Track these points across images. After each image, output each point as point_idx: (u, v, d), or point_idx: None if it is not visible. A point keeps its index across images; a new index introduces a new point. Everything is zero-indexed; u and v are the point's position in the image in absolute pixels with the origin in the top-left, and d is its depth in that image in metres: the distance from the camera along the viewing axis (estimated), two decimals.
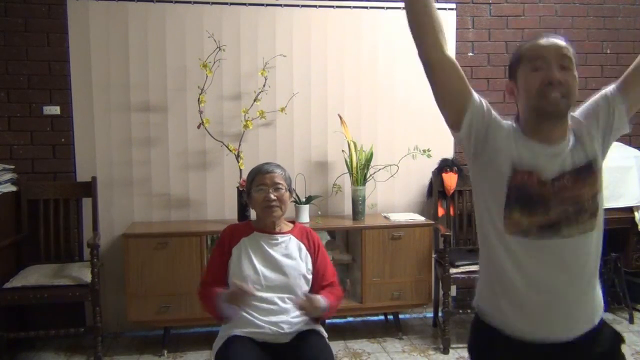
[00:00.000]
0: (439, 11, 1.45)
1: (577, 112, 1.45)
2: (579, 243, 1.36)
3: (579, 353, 1.38)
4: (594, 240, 1.38)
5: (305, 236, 2.16)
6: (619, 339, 1.46)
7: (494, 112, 1.41)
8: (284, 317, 2.00)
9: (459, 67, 1.41)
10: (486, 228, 1.43)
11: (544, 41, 1.37)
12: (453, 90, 1.40)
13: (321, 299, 2.00)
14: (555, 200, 1.34)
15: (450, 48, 1.44)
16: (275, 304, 2.01)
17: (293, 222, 2.24)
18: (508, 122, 1.43)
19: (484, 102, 1.41)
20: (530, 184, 1.35)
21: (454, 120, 1.41)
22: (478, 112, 1.38)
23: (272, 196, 2.06)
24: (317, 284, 2.11)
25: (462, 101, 1.39)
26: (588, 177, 1.37)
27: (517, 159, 1.36)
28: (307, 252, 2.12)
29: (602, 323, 1.43)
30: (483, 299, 1.49)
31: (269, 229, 2.11)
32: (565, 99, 1.32)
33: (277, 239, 2.10)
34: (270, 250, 2.07)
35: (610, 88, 1.44)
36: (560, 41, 1.36)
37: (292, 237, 2.13)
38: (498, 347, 1.43)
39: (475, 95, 1.40)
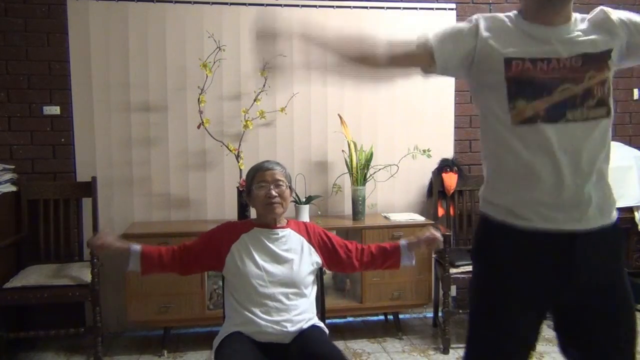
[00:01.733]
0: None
1: (613, 11, 1.44)
2: (586, 129, 1.35)
3: (585, 246, 1.38)
4: (606, 131, 1.39)
5: (303, 230, 2.14)
6: (622, 237, 1.48)
7: (481, 24, 1.44)
8: (288, 316, 1.98)
9: (445, 40, 1.45)
10: (492, 124, 1.43)
11: None
12: (461, 58, 1.45)
13: (400, 242, 2.08)
14: (558, 80, 1.35)
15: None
16: (279, 300, 1.99)
17: (287, 219, 2.22)
18: (503, 16, 1.46)
19: (475, 30, 1.44)
20: (527, 69, 1.36)
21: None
22: (479, 50, 1.42)
23: (274, 193, 2.05)
24: (350, 253, 2.11)
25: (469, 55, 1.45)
26: (597, 64, 1.37)
27: (510, 48, 1.38)
28: (310, 245, 2.10)
29: (613, 225, 1.42)
30: (490, 196, 1.48)
31: (269, 224, 2.10)
32: None
33: (278, 233, 2.08)
34: (271, 245, 2.06)
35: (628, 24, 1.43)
36: None
37: (292, 231, 2.11)
38: (504, 240, 1.43)
39: (472, 41, 1.43)
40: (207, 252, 2.07)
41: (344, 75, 1.66)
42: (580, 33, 1.39)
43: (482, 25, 1.44)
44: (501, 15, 1.47)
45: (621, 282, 1.43)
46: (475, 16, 1.47)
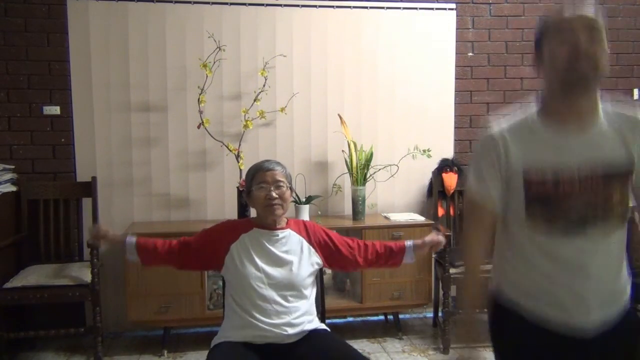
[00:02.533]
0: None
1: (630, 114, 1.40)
2: (605, 242, 1.34)
3: (596, 346, 1.36)
4: (621, 239, 1.38)
5: (303, 229, 2.12)
6: (637, 329, 1.44)
7: (500, 143, 1.38)
8: (288, 318, 1.97)
9: (492, 180, 1.41)
10: (510, 222, 1.42)
11: (569, 13, 1.32)
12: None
13: (406, 242, 2.11)
14: (577, 199, 1.32)
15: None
16: (278, 303, 1.97)
17: (287, 219, 2.21)
18: (521, 120, 1.40)
19: (499, 158, 1.39)
20: (547, 190, 1.33)
21: None
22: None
23: (274, 194, 2.02)
24: (352, 250, 2.11)
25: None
26: (618, 180, 1.33)
27: (529, 164, 1.34)
28: (309, 245, 2.08)
29: (625, 317, 1.40)
30: (503, 283, 1.46)
31: (269, 225, 2.08)
32: (593, 71, 1.28)
33: (278, 235, 2.06)
34: (270, 247, 2.04)
35: None
36: (586, 13, 1.32)
37: (292, 232, 2.09)
38: (512, 328, 1.43)
39: (500, 168, 1.39)
40: (205, 248, 2.06)
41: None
42: (604, 136, 1.34)
43: (507, 139, 1.39)
44: (519, 114, 1.42)
45: None
46: (494, 128, 1.41)
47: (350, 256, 2.11)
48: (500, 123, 1.42)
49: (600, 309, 1.35)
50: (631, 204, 1.38)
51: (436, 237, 2.10)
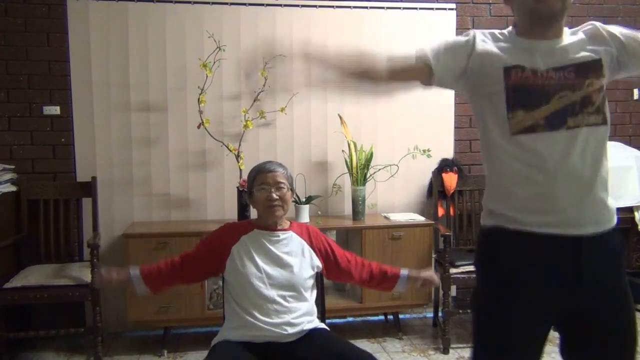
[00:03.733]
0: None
1: (602, 24, 1.48)
2: (586, 136, 1.37)
3: (589, 250, 1.38)
4: (604, 138, 1.41)
5: (305, 233, 2.13)
6: (622, 242, 1.49)
7: (478, 38, 1.47)
8: (287, 318, 1.97)
9: (442, 53, 1.50)
10: (491, 135, 1.45)
11: None
12: (459, 70, 1.49)
13: (402, 271, 2.11)
14: (555, 88, 1.38)
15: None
16: (278, 303, 1.98)
17: (289, 221, 2.22)
18: (498, 32, 1.50)
19: (471, 44, 1.47)
20: (526, 77, 1.39)
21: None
22: (474, 62, 1.46)
23: (275, 196, 2.03)
24: (349, 264, 2.12)
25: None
26: (592, 72, 1.40)
27: (508, 59, 1.42)
28: (310, 249, 2.09)
29: (613, 232, 1.43)
30: (492, 204, 1.49)
31: (270, 226, 2.09)
32: (561, 5, 1.37)
33: (279, 236, 2.07)
34: (272, 248, 2.04)
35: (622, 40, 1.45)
36: None
37: (293, 234, 2.10)
38: (505, 251, 1.44)
39: (467, 54, 1.47)
40: (209, 256, 2.05)
41: (345, 90, 1.72)
42: (572, 44, 1.43)
43: (479, 38, 1.48)
44: (497, 31, 1.51)
45: (623, 288, 1.43)
46: (471, 31, 1.51)
47: (347, 269, 2.12)
48: (474, 31, 1.51)
49: (591, 212, 1.39)
50: (607, 111, 1.42)
51: (433, 276, 2.11)
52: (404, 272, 2.11)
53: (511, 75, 1.40)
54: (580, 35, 1.45)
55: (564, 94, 1.37)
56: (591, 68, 1.40)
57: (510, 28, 1.50)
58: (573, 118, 1.37)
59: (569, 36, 1.45)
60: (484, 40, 1.47)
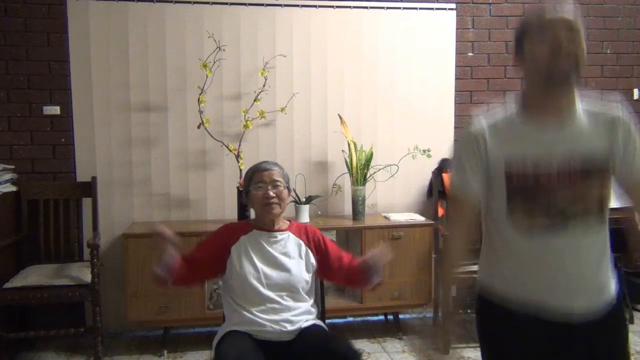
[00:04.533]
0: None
1: (625, 113, 1.43)
2: (585, 236, 1.37)
3: (581, 335, 1.38)
4: (601, 234, 1.40)
5: (303, 233, 2.14)
6: (623, 326, 1.47)
7: (488, 139, 1.42)
8: (286, 315, 1.99)
9: (473, 175, 1.45)
10: (491, 217, 1.46)
11: (550, 14, 1.37)
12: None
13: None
14: (559, 194, 1.35)
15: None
16: (276, 302, 2.00)
17: (289, 221, 2.22)
18: (502, 114, 1.45)
19: (480, 146, 1.43)
20: (527, 180, 1.37)
21: None
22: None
23: (271, 193, 2.05)
24: (344, 265, 2.09)
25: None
26: (599, 167, 1.37)
27: (510, 158, 1.38)
28: (307, 248, 2.10)
29: (611, 310, 1.42)
30: (487, 279, 1.50)
31: (268, 226, 2.10)
32: (573, 68, 1.33)
33: (276, 237, 2.09)
34: (269, 248, 2.06)
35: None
36: (566, 14, 1.36)
37: (291, 235, 2.11)
38: (503, 324, 1.45)
39: (481, 161, 1.43)
40: (212, 259, 2.06)
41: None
42: (584, 130, 1.38)
43: (487, 138, 1.42)
44: (499, 109, 1.46)
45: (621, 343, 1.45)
46: (475, 120, 1.45)
47: (337, 270, 2.10)
48: (480, 119, 1.46)
49: (585, 295, 1.38)
50: (612, 202, 1.40)
51: (379, 251, 2.00)
52: (364, 261, 2.04)
53: (513, 180, 1.38)
54: (596, 118, 1.39)
55: (567, 194, 1.35)
56: (598, 162, 1.37)
57: (514, 111, 1.44)
58: (574, 223, 1.36)
59: (582, 115, 1.39)
60: (489, 138, 1.42)
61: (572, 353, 1.39)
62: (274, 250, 2.06)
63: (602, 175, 1.38)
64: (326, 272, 2.14)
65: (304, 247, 2.10)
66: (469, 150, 1.44)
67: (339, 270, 2.11)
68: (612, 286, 1.43)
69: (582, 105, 1.41)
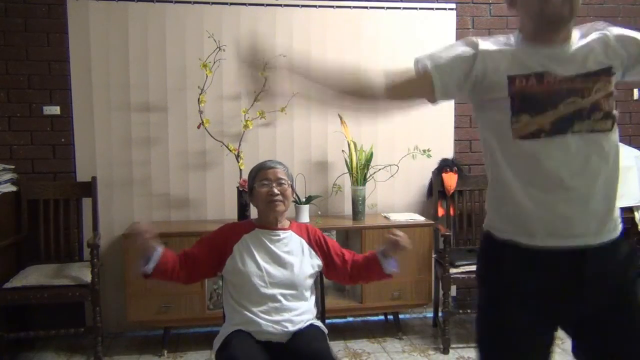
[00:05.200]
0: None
1: (610, 28, 1.44)
2: (592, 140, 1.34)
3: (593, 262, 1.36)
4: (611, 143, 1.36)
5: (304, 232, 2.14)
6: (632, 250, 1.45)
7: (482, 43, 1.42)
8: (287, 315, 1.99)
9: (443, 64, 1.43)
10: (494, 141, 1.42)
11: None
12: (461, 80, 1.43)
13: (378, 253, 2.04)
14: (563, 94, 1.34)
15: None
16: (278, 301, 2.00)
17: (290, 220, 2.23)
18: (503, 37, 1.45)
19: (473, 51, 1.42)
20: (531, 85, 1.35)
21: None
22: (478, 69, 1.41)
23: (276, 190, 2.06)
24: (347, 261, 2.10)
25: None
26: (602, 78, 1.36)
27: (512, 66, 1.37)
28: (309, 247, 2.11)
29: (618, 241, 1.40)
30: (493, 214, 1.47)
31: (270, 225, 2.10)
32: (567, 3, 1.32)
33: (279, 235, 2.09)
34: (272, 246, 2.06)
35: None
36: None
37: (293, 233, 2.12)
38: (508, 260, 1.42)
39: (470, 61, 1.41)
40: (211, 257, 2.06)
41: (342, 108, 1.63)
42: (582, 49, 1.38)
43: (481, 45, 1.42)
44: (501, 36, 1.46)
45: (634, 295, 1.41)
46: (474, 38, 1.46)
47: (342, 267, 2.11)
48: (482, 38, 1.45)
49: (598, 220, 1.36)
50: (616, 115, 1.38)
51: (392, 236, 2.00)
52: (377, 250, 2.06)
53: (515, 83, 1.36)
54: (590, 39, 1.41)
55: (573, 100, 1.34)
56: (601, 74, 1.36)
57: (515, 33, 1.45)
58: (580, 123, 1.33)
59: (578, 40, 1.41)
60: (487, 47, 1.42)
61: (581, 281, 1.36)
62: (277, 249, 2.06)
63: (606, 78, 1.37)
64: (332, 270, 2.14)
65: (306, 246, 2.11)
66: (456, 51, 1.43)
67: (343, 267, 2.11)
68: (618, 216, 1.42)
69: (576, 34, 1.42)
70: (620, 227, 1.43)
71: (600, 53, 1.39)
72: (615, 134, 1.38)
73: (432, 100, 1.48)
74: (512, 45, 1.42)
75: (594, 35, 1.42)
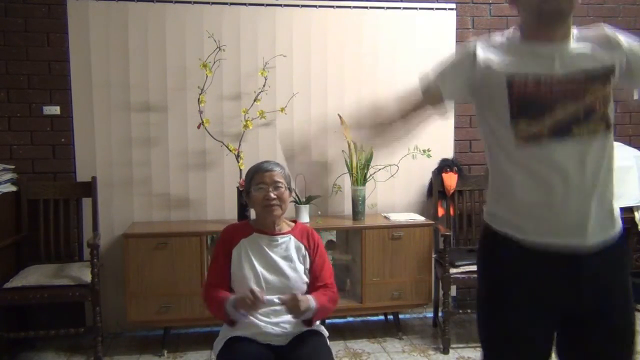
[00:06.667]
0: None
1: (612, 29, 1.45)
2: (589, 143, 1.35)
3: (590, 263, 1.37)
4: (607, 145, 1.38)
5: (305, 236, 2.13)
6: (627, 252, 1.48)
7: (479, 48, 1.44)
8: (286, 317, 1.99)
9: (446, 75, 1.49)
10: (495, 143, 1.45)
11: None
12: (465, 87, 1.49)
13: (310, 299, 1.96)
14: (559, 97, 1.35)
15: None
16: (277, 304, 1.99)
17: (294, 221, 2.22)
18: (501, 36, 1.47)
19: (471, 56, 1.44)
20: (529, 87, 1.36)
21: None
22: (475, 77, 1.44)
23: (272, 195, 2.04)
24: (312, 285, 2.08)
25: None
26: (599, 80, 1.37)
27: (511, 66, 1.39)
28: (307, 253, 2.10)
29: (615, 242, 1.41)
30: (493, 207, 1.49)
31: (268, 229, 2.09)
32: (565, 4, 1.34)
33: (277, 240, 2.08)
34: (270, 252, 2.05)
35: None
36: None
37: (292, 238, 2.11)
38: (506, 252, 1.44)
39: (470, 66, 1.45)
40: (228, 264, 2.06)
41: (377, 145, 1.78)
42: (580, 49, 1.39)
43: (479, 49, 1.44)
44: (499, 35, 1.48)
45: (623, 288, 1.43)
46: (472, 40, 1.48)
47: (311, 286, 2.08)
48: (477, 41, 1.47)
49: (595, 221, 1.37)
50: (612, 117, 1.39)
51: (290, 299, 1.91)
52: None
53: (514, 86, 1.37)
54: (590, 39, 1.41)
55: (568, 103, 1.35)
56: (598, 75, 1.37)
57: (513, 30, 1.46)
58: (577, 126, 1.34)
59: (577, 39, 1.41)
60: (485, 49, 1.43)
61: (577, 280, 1.38)
62: (274, 255, 2.05)
63: (603, 82, 1.38)
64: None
65: (303, 251, 2.10)
66: (461, 62, 1.47)
67: (311, 283, 2.09)
68: (617, 215, 1.43)
69: (574, 33, 1.43)
70: (619, 227, 1.44)
71: (600, 51, 1.39)
72: (611, 136, 1.40)
73: (443, 111, 1.55)
74: (510, 44, 1.44)
75: (594, 33, 1.43)
